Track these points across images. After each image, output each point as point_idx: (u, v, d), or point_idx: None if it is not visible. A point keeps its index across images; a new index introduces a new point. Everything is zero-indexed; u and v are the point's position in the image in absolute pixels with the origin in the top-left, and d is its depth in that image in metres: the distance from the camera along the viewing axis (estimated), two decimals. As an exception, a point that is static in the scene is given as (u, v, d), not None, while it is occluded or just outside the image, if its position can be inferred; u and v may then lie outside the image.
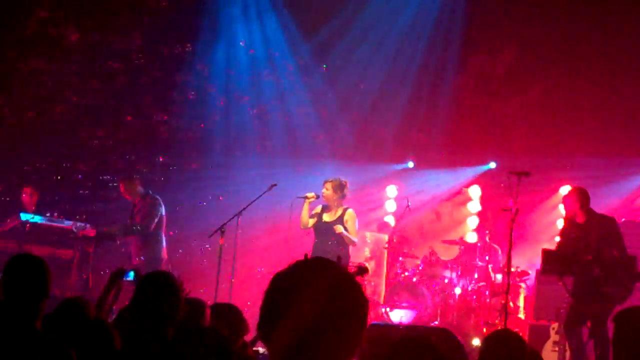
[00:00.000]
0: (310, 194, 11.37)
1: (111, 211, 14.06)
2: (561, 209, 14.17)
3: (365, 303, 2.53)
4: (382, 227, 16.25)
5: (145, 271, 6.47)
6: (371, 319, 12.04)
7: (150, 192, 12.21)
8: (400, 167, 16.80)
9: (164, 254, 12.05)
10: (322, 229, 11.33)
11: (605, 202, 13.21)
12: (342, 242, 11.21)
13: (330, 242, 11.20)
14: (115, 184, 12.53)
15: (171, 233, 13.32)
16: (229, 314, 6.14)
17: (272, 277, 2.57)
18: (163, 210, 12.11)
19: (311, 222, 11.44)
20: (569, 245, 10.07)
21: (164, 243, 12.08)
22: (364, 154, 16.30)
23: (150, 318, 4.87)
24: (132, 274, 6.77)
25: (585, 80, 15.18)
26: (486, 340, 5.11)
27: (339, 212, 11.32)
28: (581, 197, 10.16)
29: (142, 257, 11.71)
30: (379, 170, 16.48)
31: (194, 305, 5.64)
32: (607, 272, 9.63)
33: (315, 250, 11.24)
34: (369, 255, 14.66)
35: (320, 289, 2.46)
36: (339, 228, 11.15)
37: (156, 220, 11.91)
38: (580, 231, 10.02)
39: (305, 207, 11.44)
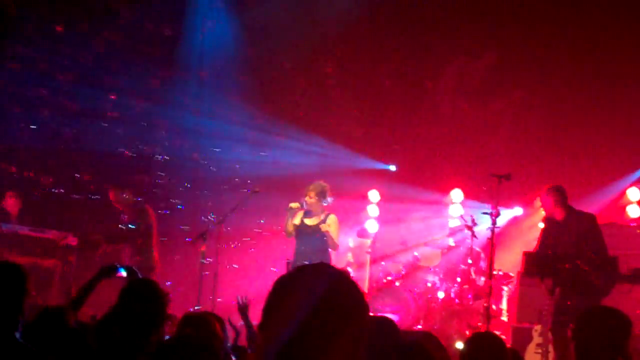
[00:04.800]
0: (295, 204, 11.34)
1: (94, 220, 14.01)
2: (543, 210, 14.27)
3: (363, 308, 2.52)
4: (362, 232, 16.26)
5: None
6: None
7: (140, 200, 12.18)
8: (381, 166, 16.81)
9: (156, 262, 11.99)
10: (305, 233, 11.29)
11: (589, 204, 13.26)
12: (324, 245, 11.18)
13: (312, 246, 11.16)
14: (98, 196, 12.44)
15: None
16: (213, 321, 6.11)
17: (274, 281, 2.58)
18: (153, 218, 12.07)
19: (295, 229, 11.41)
20: (548, 245, 10.10)
21: (156, 252, 12.02)
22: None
23: (134, 326, 4.82)
24: (123, 269, 6.56)
25: (566, 83, 15.24)
26: (467, 343, 5.14)
27: (322, 217, 11.31)
28: (556, 194, 10.18)
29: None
30: (360, 163, 16.52)
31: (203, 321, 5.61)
32: (588, 272, 9.67)
33: (297, 254, 11.22)
34: (352, 260, 14.67)
35: (315, 290, 2.45)
36: (324, 227, 11.11)
37: (144, 227, 11.88)
38: (559, 228, 10.05)
39: (290, 216, 11.41)
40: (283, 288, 2.52)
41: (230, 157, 15.68)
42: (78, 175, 14.70)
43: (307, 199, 11.33)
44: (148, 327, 4.84)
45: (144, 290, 4.99)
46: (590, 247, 9.82)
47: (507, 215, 14.79)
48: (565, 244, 9.91)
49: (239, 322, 7.03)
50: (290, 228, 11.39)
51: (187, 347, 4.15)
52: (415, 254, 14.09)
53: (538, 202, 14.82)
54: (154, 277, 11.73)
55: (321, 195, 11.31)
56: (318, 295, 2.44)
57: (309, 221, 11.36)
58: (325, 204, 11.36)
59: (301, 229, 11.34)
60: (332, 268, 2.58)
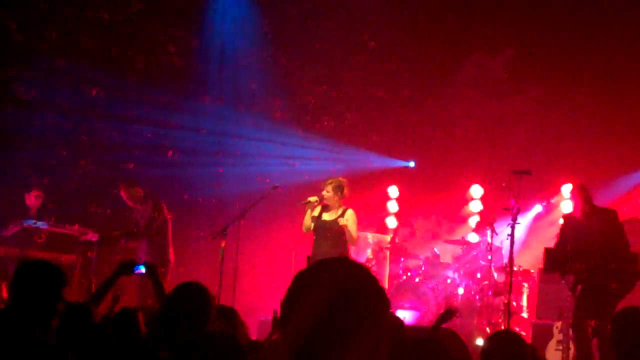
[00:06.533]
0: (313, 198, 11.30)
1: (114, 216, 14.05)
2: (563, 207, 14.24)
3: (383, 301, 2.49)
4: (382, 228, 16.25)
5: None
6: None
7: (152, 196, 12.20)
8: (401, 163, 16.80)
9: (171, 257, 12.03)
10: (322, 228, 11.24)
11: (607, 199, 13.21)
12: (342, 240, 11.15)
13: (330, 241, 11.11)
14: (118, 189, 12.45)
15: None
16: (231, 317, 6.12)
17: (293, 276, 2.56)
18: (166, 213, 12.10)
19: (313, 225, 11.38)
20: (568, 241, 10.06)
21: (170, 246, 12.06)
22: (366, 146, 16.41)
23: (181, 327, 4.80)
24: (142, 266, 6.53)
25: (584, 78, 15.18)
26: (487, 342, 5.14)
27: (339, 212, 11.25)
28: (581, 192, 10.16)
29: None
30: (380, 163, 16.52)
31: None
32: (610, 269, 9.62)
33: (315, 250, 11.18)
34: (371, 256, 14.65)
35: (337, 285, 2.44)
36: (342, 221, 11.05)
37: (159, 224, 11.91)
38: (581, 225, 10.01)
39: (308, 211, 11.37)
40: (302, 283, 2.51)
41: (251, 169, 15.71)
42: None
43: (324, 192, 11.29)
44: (194, 328, 4.84)
45: (194, 292, 5.00)
46: (613, 243, 9.77)
47: (528, 215, 14.81)
48: (588, 240, 9.86)
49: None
50: (308, 222, 11.35)
51: (214, 342, 4.16)
52: (435, 250, 14.09)
53: (558, 198, 14.83)
54: (170, 271, 11.81)
55: (338, 189, 11.26)
56: (338, 290, 2.43)
57: (326, 216, 11.31)
58: (342, 199, 11.32)
59: (319, 224, 11.30)
60: (352, 262, 2.57)
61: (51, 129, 14.43)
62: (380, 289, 2.51)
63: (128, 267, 6.41)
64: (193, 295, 4.94)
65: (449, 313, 6.81)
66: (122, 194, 12.18)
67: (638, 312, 5.42)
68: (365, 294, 2.46)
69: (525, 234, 14.96)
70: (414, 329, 10.80)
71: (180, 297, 4.96)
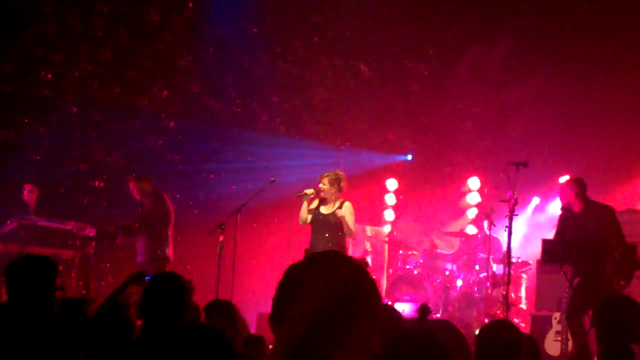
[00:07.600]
0: (309, 190, 11.27)
1: (112, 211, 14.04)
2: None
3: (375, 296, 2.49)
4: (380, 220, 16.25)
5: (148, 269, 6.47)
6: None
7: (157, 190, 12.14)
8: (399, 158, 16.80)
9: (170, 253, 11.92)
10: (320, 221, 11.22)
11: (606, 190, 13.21)
12: (340, 233, 11.13)
13: (327, 234, 11.11)
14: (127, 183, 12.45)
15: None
16: (229, 311, 6.13)
17: (286, 269, 2.55)
18: (169, 208, 12.02)
19: (310, 217, 11.37)
20: (566, 233, 10.07)
21: (170, 242, 11.96)
22: (362, 142, 16.37)
23: (157, 319, 4.82)
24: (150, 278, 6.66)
25: (583, 69, 15.17)
26: (482, 331, 5.16)
27: (337, 205, 11.23)
28: (576, 186, 10.16)
29: (145, 256, 11.62)
30: (377, 157, 16.50)
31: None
32: (607, 260, 9.63)
33: (312, 243, 11.17)
34: (370, 249, 14.65)
35: (331, 281, 2.44)
36: (340, 212, 11.04)
37: (157, 218, 11.83)
38: (578, 219, 10.02)
39: (305, 204, 11.35)
40: (294, 279, 2.50)
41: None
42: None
43: (320, 185, 11.27)
44: (173, 317, 4.85)
45: (168, 282, 5.02)
46: (610, 239, 9.77)
47: (525, 206, 14.82)
48: (585, 235, 9.86)
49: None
50: (304, 215, 11.33)
51: (203, 335, 4.16)
52: (435, 241, 14.09)
53: (555, 190, 14.83)
54: (168, 268, 11.70)
55: (335, 182, 11.24)
56: (331, 286, 2.42)
57: (324, 209, 11.29)
58: (339, 192, 11.30)
59: (316, 216, 11.28)
60: (343, 257, 2.56)
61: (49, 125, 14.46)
62: (373, 284, 2.51)
63: (138, 278, 6.55)
64: (167, 285, 4.95)
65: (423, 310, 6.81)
66: (131, 187, 12.09)
67: (622, 300, 5.50)
68: (357, 289, 2.46)
69: (525, 226, 14.98)
70: (412, 321, 10.80)
71: (155, 287, 4.97)
